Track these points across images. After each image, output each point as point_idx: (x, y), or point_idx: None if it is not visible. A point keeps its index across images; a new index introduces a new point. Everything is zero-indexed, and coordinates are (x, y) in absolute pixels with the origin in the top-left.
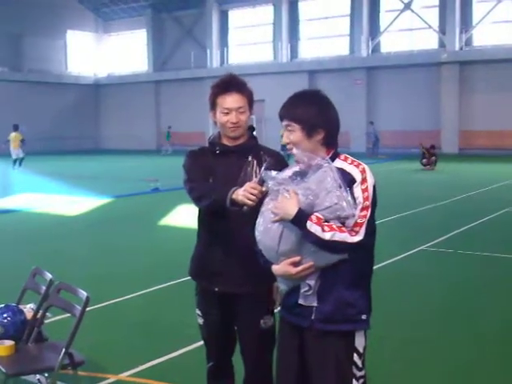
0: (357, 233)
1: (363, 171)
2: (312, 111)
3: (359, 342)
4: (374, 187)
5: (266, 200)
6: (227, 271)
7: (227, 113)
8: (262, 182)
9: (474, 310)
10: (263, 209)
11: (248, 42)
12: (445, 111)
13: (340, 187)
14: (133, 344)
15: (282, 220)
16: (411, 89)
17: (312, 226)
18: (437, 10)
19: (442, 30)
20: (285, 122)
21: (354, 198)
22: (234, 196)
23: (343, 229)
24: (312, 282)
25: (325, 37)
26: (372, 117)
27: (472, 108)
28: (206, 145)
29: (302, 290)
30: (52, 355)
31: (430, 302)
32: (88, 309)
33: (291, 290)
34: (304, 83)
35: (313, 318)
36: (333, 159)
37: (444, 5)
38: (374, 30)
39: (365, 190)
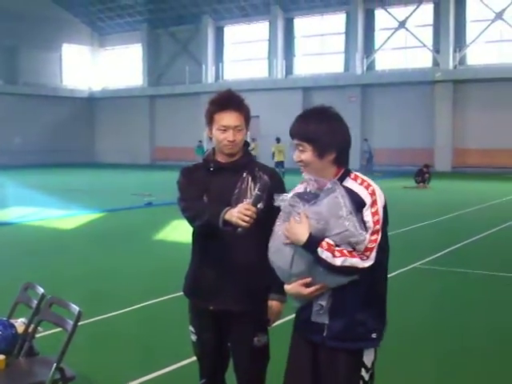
0: (368, 257)
1: (373, 193)
2: (323, 132)
3: (368, 358)
4: (385, 207)
5: (278, 222)
6: (222, 290)
7: (224, 130)
8: (255, 203)
9: (465, 328)
10: (275, 229)
11: (243, 57)
12: (438, 129)
13: (351, 213)
14: (125, 359)
15: (293, 243)
16: (405, 107)
17: (323, 253)
18: (431, 28)
19: (436, 49)
20: (296, 141)
21: (363, 222)
22: (227, 217)
23: (354, 253)
24: (324, 302)
25: (320, 54)
26: (366, 134)
27: (465, 126)
28: (201, 161)
29: (315, 309)
30: (43, 370)
31: (422, 318)
32: (80, 323)
33: (305, 305)
34: (298, 100)
35: (325, 334)
36: (343, 178)
37: (438, 24)
38: (369, 48)
39: (375, 214)
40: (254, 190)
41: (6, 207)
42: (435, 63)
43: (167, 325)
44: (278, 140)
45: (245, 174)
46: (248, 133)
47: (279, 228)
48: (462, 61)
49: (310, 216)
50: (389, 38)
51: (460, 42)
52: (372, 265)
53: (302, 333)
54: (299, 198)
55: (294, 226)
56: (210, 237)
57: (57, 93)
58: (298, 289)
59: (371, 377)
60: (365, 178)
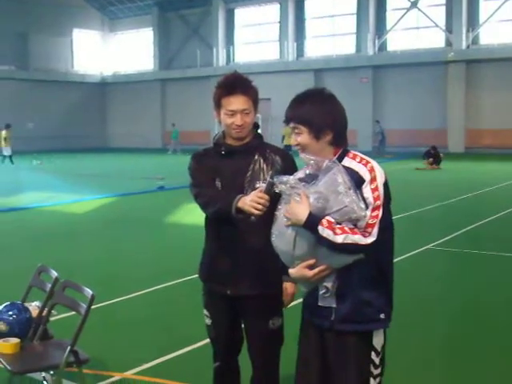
0: (369, 234)
1: (371, 170)
2: (318, 113)
3: (377, 340)
4: (386, 184)
5: (280, 205)
6: (238, 274)
7: (232, 114)
8: (268, 190)
9: (481, 309)
10: (277, 213)
11: (254, 40)
12: (451, 110)
13: (349, 189)
14: (138, 342)
15: (294, 225)
16: (417, 87)
17: (324, 231)
18: (443, 8)
19: (449, 29)
20: (291, 125)
21: (364, 199)
22: (240, 204)
23: (355, 230)
24: (329, 284)
25: (331, 35)
26: (378, 115)
27: (478, 107)
28: (211, 145)
29: (321, 292)
30: (57, 353)
31: (437, 301)
32: (93, 307)
33: (312, 290)
34: (310, 82)
35: (332, 318)
36: (341, 158)
37: (451, 3)
38: (381, 29)
39: (374, 190)
40: (267, 172)
41: (19, 192)
42: (448, 43)
43: (180, 308)
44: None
45: (256, 156)
46: (258, 115)
47: (281, 212)
48: (475, 40)
49: (310, 195)
50: (401, 18)
51: (473, 21)
52: (376, 242)
53: (309, 319)
54: (299, 179)
55: (294, 206)
56: (224, 222)
57: (68, 78)
58: (302, 272)
59: (381, 361)
60: (364, 156)
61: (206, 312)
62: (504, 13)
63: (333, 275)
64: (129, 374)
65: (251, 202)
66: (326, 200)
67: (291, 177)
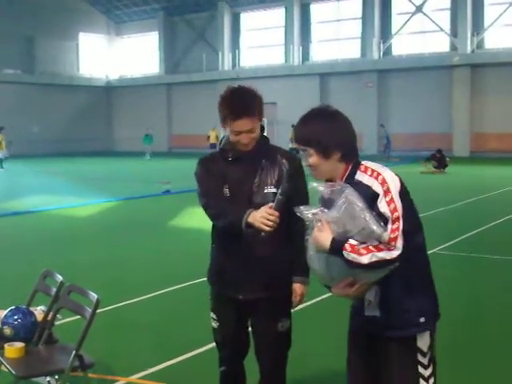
0: (394, 247)
1: (383, 182)
2: (322, 133)
3: (422, 342)
4: (402, 190)
5: (309, 231)
6: (250, 280)
7: (238, 134)
8: (278, 207)
9: (486, 314)
10: (309, 239)
11: (259, 44)
12: (456, 114)
13: (363, 210)
14: (143, 346)
15: (320, 251)
16: (423, 92)
17: (349, 255)
18: (448, 12)
19: (454, 33)
20: (300, 147)
21: (381, 213)
22: (250, 219)
23: (380, 246)
24: (371, 298)
25: (336, 39)
26: (383, 119)
27: (484, 111)
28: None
29: (365, 304)
30: (62, 357)
31: (441, 306)
32: (98, 311)
33: (360, 300)
34: (315, 86)
35: (379, 325)
36: (353, 173)
37: (455, 8)
38: (386, 33)
39: (390, 202)
40: (275, 176)
41: (24, 196)
42: (453, 47)
43: (185, 312)
44: (294, 126)
45: (264, 161)
46: (264, 119)
47: (309, 239)
48: (480, 45)
49: (330, 221)
50: (406, 22)
51: (478, 25)
52: (407, 251)
53: (359, 324)
54: (321, 203)
55: (317, 234)
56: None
57: (74, 82)
58: (343, 291)
59: (431, 361)
60: (374, 167)
61: (213, 315)
62: (509, 17)
63: (373, 288)
64: (134, 378)
65: (261, 218)
66: (343, 225)
67: (308, 207)
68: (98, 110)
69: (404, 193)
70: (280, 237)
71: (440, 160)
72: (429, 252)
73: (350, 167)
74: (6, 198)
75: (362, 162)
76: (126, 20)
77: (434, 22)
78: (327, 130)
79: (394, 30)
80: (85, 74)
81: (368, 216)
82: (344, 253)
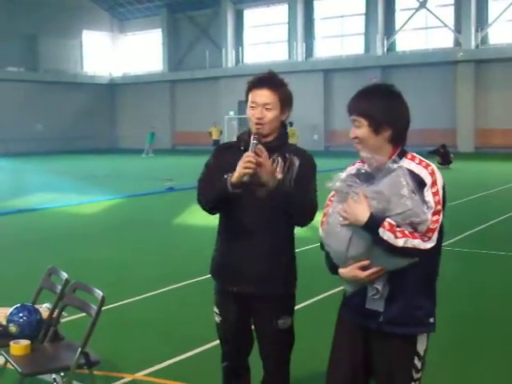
0: (430, 238)
1: (432, 173)
2: (380, 107)
3: (421, 345)
4: (444, 188)
5: (333, 202)
6: (244, 272)
7: (254, 107)
8: (252, 150)
9: (493, 311)
10: (330, 211)
11: (263, 41)
12: (460, 110)
13: (413, 192)
14: (148, 343)
15: (351, 225)
16: (427, 88)
17: (385, 233)
18: (452, 8)
19: (458, 29)
20: (352, 117)
21: (425, 202)
22: (233, 179)
23: (415, 234)
24: (380, 286)
25: (340, 36)
26: None
27: (488, 106)
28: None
29: (370, 294)
30: (68, 355)
31: (449, 302)
32: (104, 308)
33: (358, 291)
34: (319, 82)
35: (381, 320)
36: (400, 158)
37: (459, 3)
38: (390, 29)
39: (435, 194)
40: (282, 170)
41: (28, 194)
42: (457, 43)
43: (190, 309)
44: (291, 124)
45: (275, 156)
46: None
47: (334, 209)
48: (484, 40)
49: (369, 196)
50: (409, 18)
51: (482, 21)
52: (434, 246)
53: (353, 318)
54: (356, 177)
55: (352, 205)
56: (235, 219)
57: (77, 79)
58: (354, 272)
59: (423, 365)
60: (422, 158)
61: (216, 310)
62: None
63: (384, 276)
64: (139, 375)
65: (239, 167)
66: (387, 202)
67: (346, 174)
68: (102, 107)
69: (444, 191)
70: (277, 231)
71: (444, 156)
72: None
73: (396, 151)
74: (9, 195)
75: (410, 152)
76: (130, 17)
77: (437, 17)
78: (385, 106)
79: (397, 26)
80: (88, 71)
81: (416, 199)
82: (380, 230)
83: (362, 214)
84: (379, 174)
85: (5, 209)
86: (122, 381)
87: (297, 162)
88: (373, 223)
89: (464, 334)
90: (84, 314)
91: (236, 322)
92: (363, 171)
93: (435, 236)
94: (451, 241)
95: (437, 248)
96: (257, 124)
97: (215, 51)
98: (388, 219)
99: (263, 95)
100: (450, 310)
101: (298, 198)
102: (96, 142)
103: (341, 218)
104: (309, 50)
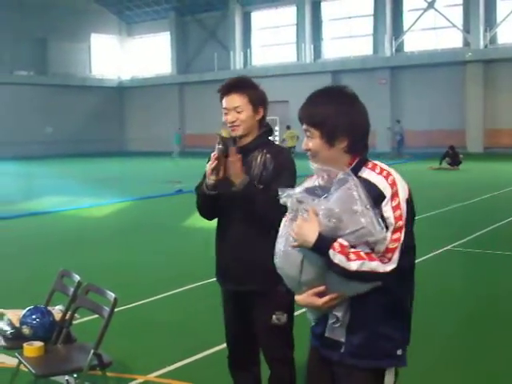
0: (389, 259)
1: (393, 184)
2: (332, 114)
3: (389, 379)
4: (409, 200)
5: (286, 222)
6: (230, 271)
7: (226, 113)
8: (223, 153)
9: (505, 311)
10: (282, 230)
11: (271, 43)
12: (469, 110)
13: (367, 207)
14: (160, 345)
15: (301, 246)
16: (435, 88)
17: (335, 256)
18: (461, 8)
19: (466, 29)
20: (304, 127)
21: (384, 219)
22: (207, 180)
23: (373, 256)
24: (340, 314)
25: (348, 37)
26: (396, 116)
27: (497, 106)
28: None
29: (330, 322)
30: (81, 356)
31: (458, 303)
32: (116, 310)
33: (320, 319)
34: (328, 84)
35: (342, 351)
36: (359, 168)
37: (468, 3)
38: (398, 30)
39: (396, 208)
40: (256, 170)
41: (39, 197)
42: (465, 43)
43: (201, 311)
44: (288, 127)
45: (252, 155)
46: (276, 117)
47: (286, 229)
48: (493, 40)
49: (319, 213)
50: (418, 18)
51: (490, 20)
52: (396, 269)
53: (317, 349)
54: (308, 192)
55: (301, 225)
56: (222, 221)
57: (86, 83)
58: (310, 299)
59: None
60: (385, 166)
61: (223, 311)
62: None
63: (345, 303)
64: (151, 376)
65: (208, 170)
66: (339, 219)
67: (297, 189)
68: (111, 110)
69: (410, 203)
70: (262, 231)
71: (453, 157)
72: (444, 249)
73: (355, 161)
74: (20, 198)
75: (371, 160)
76: (138, 20)
77: (446, 17)
78: (338, 112)
79: (405, 26)
80: (97, 74)
81: (371, 215)
82: (330, 252)
83: (310, 234)
84: (333, 187)
85: (16, 212)
86: (134, 382)
87: (269, 158)
88: (322, 244)
89: (475, 335)
90: (96, 316)
91: (232, 318)
92: (317, 184)
93: (396, 256)
94: (462, 241)
95: (402, 270)
96: (231, 127)
97: (223, 53)
98: (340, 239)
99: (232, 99)
100: (461, 311)
101: (263, 197)
102: (105, 144)
103: (291, 239)
104: (317, 52)
